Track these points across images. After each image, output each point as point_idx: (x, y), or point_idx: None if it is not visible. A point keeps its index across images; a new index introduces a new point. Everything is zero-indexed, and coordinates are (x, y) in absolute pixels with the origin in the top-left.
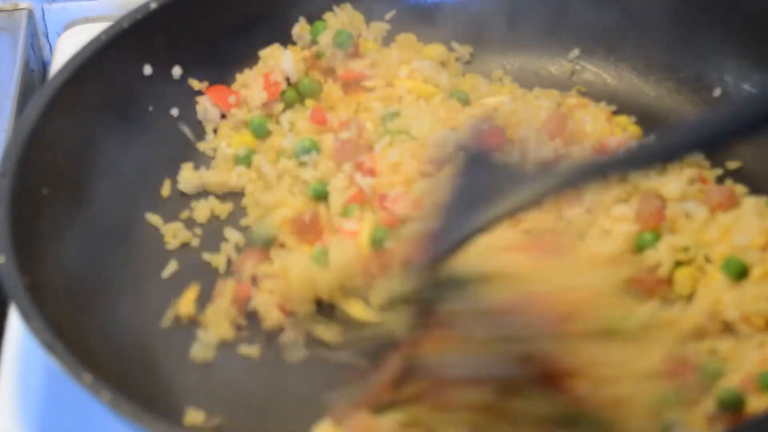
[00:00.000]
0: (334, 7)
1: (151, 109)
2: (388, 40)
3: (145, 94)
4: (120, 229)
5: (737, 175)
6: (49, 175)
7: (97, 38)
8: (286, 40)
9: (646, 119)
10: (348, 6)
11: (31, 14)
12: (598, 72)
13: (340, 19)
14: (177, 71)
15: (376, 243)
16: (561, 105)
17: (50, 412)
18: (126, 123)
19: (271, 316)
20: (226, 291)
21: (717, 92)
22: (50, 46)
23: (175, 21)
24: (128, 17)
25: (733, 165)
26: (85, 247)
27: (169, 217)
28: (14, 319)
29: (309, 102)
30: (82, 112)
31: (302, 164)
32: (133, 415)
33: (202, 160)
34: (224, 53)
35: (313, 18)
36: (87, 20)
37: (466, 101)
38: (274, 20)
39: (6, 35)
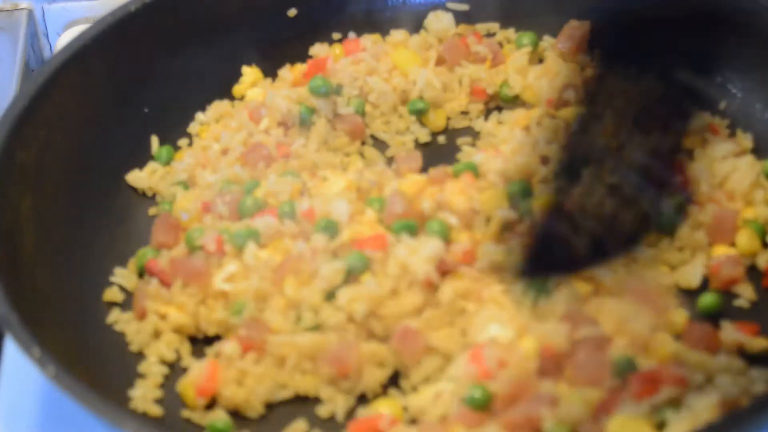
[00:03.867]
0: None
1: (151, 90)
2: None
3: (147, 77)
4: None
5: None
6: (42, 150)
7: (103, 19)
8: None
9: None
10: None
11: (31, 14)
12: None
13: None
14: (182, 56)
15: None
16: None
17: (47, 423)
18: (126, 104)
19: None
20: None
21: (722, 105)
22: (50, 46)
23: (183, 7)
24: (137, 1)
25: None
26: (66, 220)
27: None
28: None
29: None
30: (83, 90)
31: None
32: (73, 391)
33: None
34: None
35: None
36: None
37: None
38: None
39: (6, 35)
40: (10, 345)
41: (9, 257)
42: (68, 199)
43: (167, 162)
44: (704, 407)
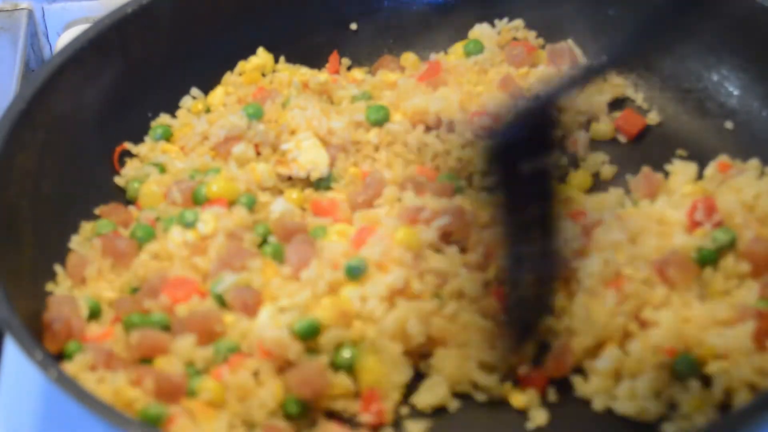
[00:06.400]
0: None
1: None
2: None
3: (143, 79)
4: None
5: None
6: (40, 152)
7: (100, 21)
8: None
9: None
10: None
11: (31, 14)
12: None
13: None
14: (180, 57)
15: None
16: None
17: (47, 424)
18: (125, 106)
19: None
20: None
21: (720, 103)
22: (50, 46)
23: (178, 10)
24: (133, 3)
25: None
26: (65, 221)
27: None
28: None
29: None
30: (80, 93)
31: None
32: (76, 393)
33: None
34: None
35: None
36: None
37: None
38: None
39: (6, 35)
40: (10, 346)
41: (9, 259)
42: (67, 201)
43: (159, 139)
44: None
